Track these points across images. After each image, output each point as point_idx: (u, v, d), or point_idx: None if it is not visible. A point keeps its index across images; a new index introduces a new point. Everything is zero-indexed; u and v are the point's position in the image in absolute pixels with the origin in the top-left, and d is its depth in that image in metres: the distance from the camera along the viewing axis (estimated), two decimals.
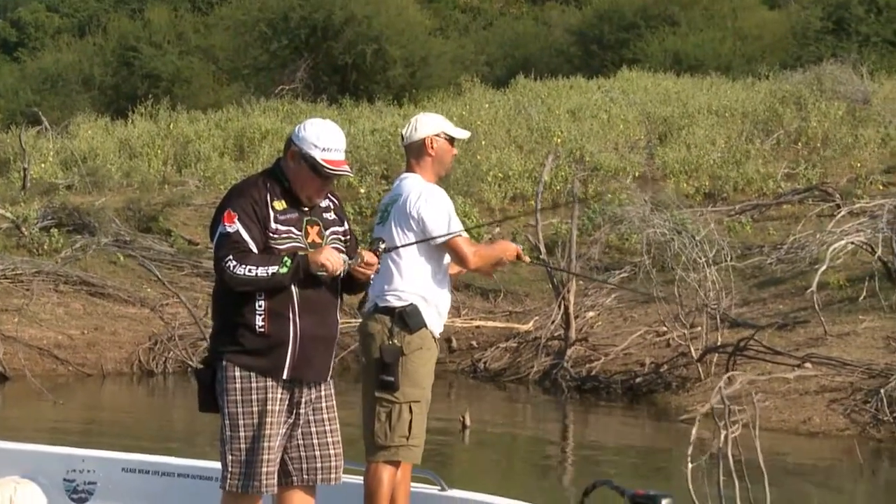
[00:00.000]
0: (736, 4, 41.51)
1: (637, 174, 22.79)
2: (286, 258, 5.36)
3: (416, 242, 6.18)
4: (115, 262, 18.30)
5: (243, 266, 5.32)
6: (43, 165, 24.09)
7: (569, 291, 16.73)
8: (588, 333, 17.24)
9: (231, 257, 5.35)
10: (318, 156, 5.49)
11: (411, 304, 6.18)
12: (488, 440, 13.56)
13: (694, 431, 7.38)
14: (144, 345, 16.83)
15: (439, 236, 6.19)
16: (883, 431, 11.95)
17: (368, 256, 5.64)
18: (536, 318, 17.72)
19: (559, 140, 23.62)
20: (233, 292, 5.44)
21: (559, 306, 16.81)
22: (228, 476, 5.50)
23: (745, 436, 12.64)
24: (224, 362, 5.48)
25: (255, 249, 5.40)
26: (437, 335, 6.32)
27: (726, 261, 15.54)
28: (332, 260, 5.45)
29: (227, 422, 5.49)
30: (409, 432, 6.15)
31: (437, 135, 6.41)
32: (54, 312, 17.01)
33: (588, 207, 19.35)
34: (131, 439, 11.96)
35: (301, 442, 5.59)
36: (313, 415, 5.60)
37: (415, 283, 6.22)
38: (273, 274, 5.33)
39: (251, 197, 5.46)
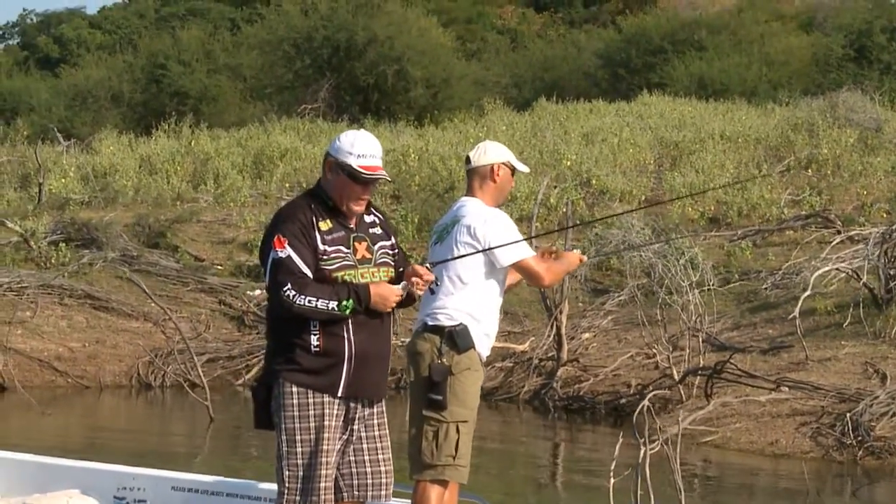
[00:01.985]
0: (764, 30, 41.73)
1: (644, 198, 23.05)
2: (349, 299, 5.43)
3: (461, 257, 6.25)
4: (121, 276, 18.68)
5: (303, 297, 5.38)
6: (63, 181, 24.58)
7: (561, 312, 16.98)
8: (582, 354, 17.48)
9: (289, 285, 5.39)
10: (354, 162, 5.56)
11: (461, 324, 6.23)
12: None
13: (617, 449, 7.58)
14: (144, 358, 17.15)
15: (489, 249, 6.27)
16: (845, 455, 12.14)
17: (422, 271, 5.70)
18: (532, 338, 17.97)
19: (568, 163, 23.88)
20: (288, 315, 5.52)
21: (551, 327, 17.06)
22: (286, 492, 5.52)
23: (716, 455, 12.97)
24: (281, 379, 5.52)
25: (308, 273, 5.45)
26: (483, 358, 6.36)
27: (709, 285, 15.70)
28: (391, 298, 5.55)
29: (283, 437, 5.52)
30: (456, 452, 6.16)
31: (504, 163, 6.55)
32: (57, 325, 17.39)
33: (586, 229, 19.54)
34: (122, 453, 12.27)
35: (353, 458, 5.63)
36: (365, 431, 5.65)
37: (467, 303, 6.27)
38: (333, 309, 5.40)
39: (298, 221, 5.51)
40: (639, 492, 7.36)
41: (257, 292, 19.44)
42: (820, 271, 15.83)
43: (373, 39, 32.14)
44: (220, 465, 12.08)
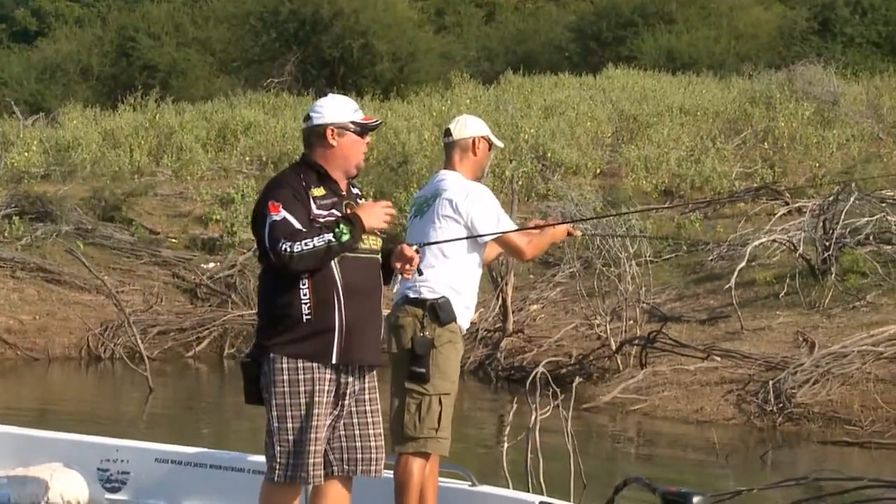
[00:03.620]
0: (734, 3, 41.88)
1: (598, 171, 23.27)
2: (340, 226, 5.46)
3: (456, 240, 6.23)
4: (74, 250, 18.85)
5: (297, 244, 5.40)
6: (26, 154, 24.69)
7: (507, 284, 17.22)
8: (529, 325, 17.73)
9: (283, 240, 5.41)
10: (356, 118, 5.69)
11: (443, 296, 6.18)
12: None
13: (510, 416, 7.81)
14: (94, 331, 17.35)
15: (487, 234, 6.27)
16: (765, 421, 12.41)
17: (410, 252, 5.74)
18: (482, 310, 18.19)
19: (525, 136, 24.07)
20: (278, 285, 5.52)
21: (497, 298, 17.29)
22: (277, 466, 5.53)
23: (643, 423, 13.25)
24: (271, 354, 5.51)
25: (302, 231, 5.49)
26: (464, 330, 6.34)
27: (645, 257, 15.94)
28: (381, 215, 5.61)
29: (274, 413, 5.51)
30: (439, 424, 6.14)
31: (484, 137, 6.50)
32: (8, 298, 17.59)
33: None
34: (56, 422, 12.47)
35: (343, 433, 5.63)
36: (356, 406, 5.64)
37: (449, 276, 6.23)
38: (330, 242, 5.43)
39: (290, 186, 5.55)
40: (528, 455, 7.58)
41: (211, 265, 19.68)
42: (755, 243, 16.09)
43: (338, 13, 32.24)
44: (159, 433, 12.25)
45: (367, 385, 5.66)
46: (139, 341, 15.54)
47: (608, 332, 15.33)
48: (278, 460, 5.51)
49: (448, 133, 6.54)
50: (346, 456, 5.62)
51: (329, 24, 32.37)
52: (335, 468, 5.60)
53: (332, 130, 5.65)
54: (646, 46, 37.22)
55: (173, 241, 20.19)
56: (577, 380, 10.60)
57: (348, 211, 5.58)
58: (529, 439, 7.72)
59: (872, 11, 33.21)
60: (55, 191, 20.67)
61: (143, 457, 7.16)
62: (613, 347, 15.15)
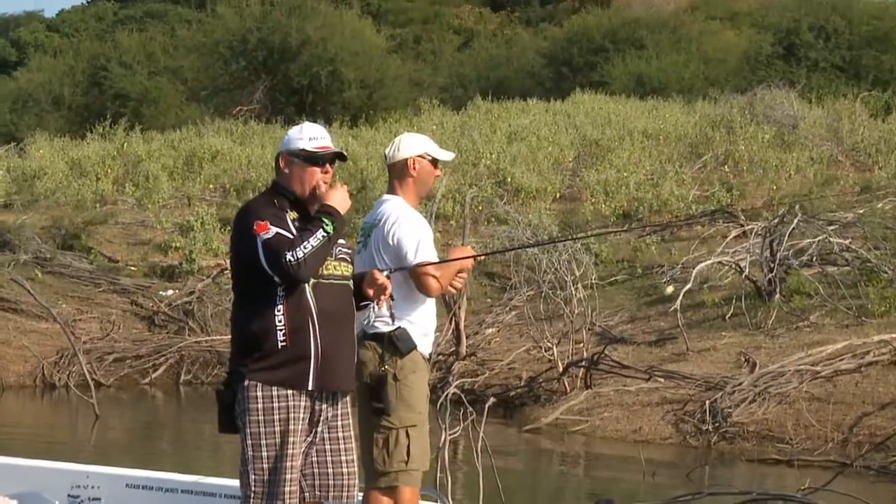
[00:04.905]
0: (704, 28, 42.23)
1: (558, 195, 23.46)
2: (321, 219, 5.49)
3: (401, 269, 6.14)
4: (32, 278, 18.96)
5: (299, 250, 5.40)
6: None
7: (459, 308, 17.35)
8: (483, 349, 17.86)
9: (285, 252, 5.39)
10: (308, 146, 5.62)
11: (399, 327, 6.11)
12: None
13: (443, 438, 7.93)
14: (49, 359, 17.44)
15: (400, 268, 6.15)
16: (700, 440, 12.57)
17: (380, 277, 5.75)
18: (437, 334, 18.32)
19: (487, 162, 24.27)
20: (253, 313, 5.50)
21: (450, 322, 17.42)
22: (252, 496, 5.48)
23: (581, 443, 13.39)
24: (246, 381, 5.46)
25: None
26: (426, 356, 6.26)
27: (591, 280, 16.12)
28: (346, 197, 5.63)
29: (249, 442, 5.49)
30: (408, 457, 6.07)
31: (421, 156, 6.33)
32: None
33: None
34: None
35: (315, 459, 5.61)
36: (328, 432, 5.62)
37: (400, 307, 6.11)
38: (325, 237, 5.45)
39: (269, 207, 5.56)
40: (438, 475, 7.71)
41: (169, 292, 19.80)
42: (701, 265, 16.27)
43: (306, 41, 32.48)
44: (102, 458, 12.35)
45: (339, 411, 5.64)
46: (85, 369, 15.66)
47: (556, 354, 15.47)
48: (253, 489, 5.48)
49: (385, 156, 6.47)
50: (317, 482, 5.60)
51: (297, 51, 32.61)
52: (307, 494, 5.58)
53: (284, 158, 5.67)
54: (616, 72, 37.52)
55: (132, 268, 20.31)
56: (491, 401, 10.59)
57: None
58: (439, 458, 7.82)
59: (836, 36, 33.55)
60: (15, 220, 20.77)
61: (114, 483, 7.13)
62: (560, 370, 15.29)
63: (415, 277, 6.16)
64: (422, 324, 6.22)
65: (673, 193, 22.44)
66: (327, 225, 5.46)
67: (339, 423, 5.64)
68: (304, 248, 5.39)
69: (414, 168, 6.30)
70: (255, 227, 5.46)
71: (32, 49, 65.64)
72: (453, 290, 6.48)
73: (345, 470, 5.63)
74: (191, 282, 19.91)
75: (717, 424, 12.58)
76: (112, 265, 20.22)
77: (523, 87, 40.14)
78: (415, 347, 6.14)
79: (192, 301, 19.32)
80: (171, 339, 18.58)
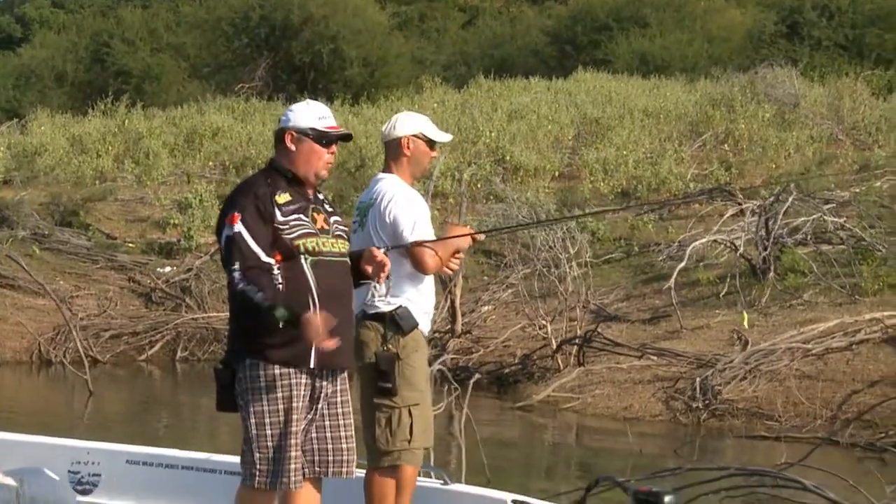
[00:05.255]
0: (708, 6, 42.10)
1: (557, 173, 23.47)
2: (285, 312, 5.31)
3: (399, 247, 6.11)
4: (30, 254, 19.02)
5: (246, 282, 5.34)
6: None
7: (455, 286, 17.38)
8: (479, 326, 17.89)
9: (237, 266, 5.36)
10: (318, 125, 5.56)
11: (401, 305, 6.10)
12: None
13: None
14: (47, 335, 17.49)
15: (410, 243, 6.13)
16: (690, 417, 12.59)
17: (379, 255, 5.67)
18: (434, 311, 18.36)
19: (486, 140, 24.27)
20: None
21: (445, 299, 17.45)
22: (257, 473, 5.48)
23: (572, 420, 13.44)
24: (248, 360, 5.46)
25: (258, 252, 5.41)
26: (426, 333, 6.26)
27: (585, 258, 16.13)
28: (321, 332, 5.37)
29: (252, 420, 5.47)
30: (411, 436, 6.06)
31: (416, 135, 6.31)
32: None
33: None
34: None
35: (314, 435, 5.59)
36: (328, 409, 5.60)
37: (399, 285, 6.11)
38: (265, 309, 5.32)
39: (254, 195, 5.47)
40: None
41: (167, 269, 19.84)
42: (696, 243, 16.28)
43: (308, 18, 32.45)
44: (94, 434, 12.40)
45: (338, 388, 5.63)
46: (80, 345, 15.67)
47: (550, 332, 15.49)
48: (258, 467, 5.47)
49: (382, 134, 6.45)
50: (317, 458, 5.59)
51: (299, 29, 32.59)
52: (306, 470, 5.57)
53: (292, 135, 5.58)
54: (620, 50, 37.43)
55: (130, 245, 20.36)
56: (475, 377, 10.66)
57: (315, 216, 5.53)
58: None
59: (839, 15, 33.42)
60: (14, 196, 20.82)
61: (114, 459, 7.14)
62: (554, 347, 15.32)
63: (411, 255, 6.14)
64: (421, 302, 6.20)
65: (671, 172, 22.43)
66: (281, 314, 5.29)
67: (339, 398, 5.62)
68: (249, 289, 5.32)
69: (408, 147, 6.28)
70: (230, 215, 5.43)
71: (38, 25, 65.73)
72: (449, 271, 6.44)
73: (344, 446, 5.61)
74: (188, 259, 19.95)
75: (707, 402, 12.61)
76: (110, 242, 20.27)
77: (527, 65, 40.04)
78: (417, 325, 6.13)
79: (189, 278, 19.37)
80: (168, 315, 18.63)
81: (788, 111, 25.96)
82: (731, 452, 11.54)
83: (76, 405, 14.86)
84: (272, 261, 5.42)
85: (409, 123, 6.35)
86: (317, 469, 5.59)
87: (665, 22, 39.86)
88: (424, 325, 6.23)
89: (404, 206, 6.19)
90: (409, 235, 6.13)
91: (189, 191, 22.46)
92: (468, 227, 6.69)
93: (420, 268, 6.16)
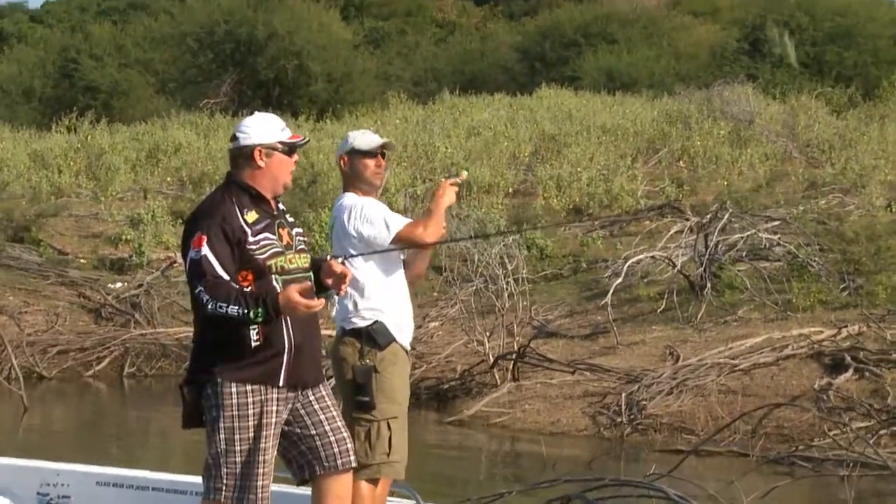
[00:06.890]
0: (675, 24, 42.44)
1: (511, 190, 23.66)
2: (258, 308, 5.30)
3: (374, 252, 6.18)
4: None
5: (214, 301, 5.30)
6: None
7: None
8: (425, 342, 18.03)
9: (202, 288, 5.32)
10: (284, 137, 5.61)
11: (376, 321, 6.18)
12: None
13: None
14: None
15: (390, 248, 6.22)
16: (614, 432, 12.77)
17: (337, 266, 5.66)
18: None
19: (440, 156, 24.46)
20: None
21: None
22: (223, 488, 5.48)
23: (499, 435, 13.58)
24: (218, 379, 5.43)
25: (223, 274, 5.38)
26: (406, 347, 6.33)
27: (521, 275, 16.30)
28: (299, 306, 5.38)
29: (222, 436, 5.47)
30: (390, 448, 6.13)
31: (347, 153, 6.39)
32: None
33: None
34: None
35: (313, 432, 5.61)
36: (308, 417, 5.61)
37: (374, 300, 6.20)
38: (242, 315, 5.30)
39: (220, 216, 5.44)
40: None
41: (118, 285, 19.96)
42: (633, 260, 16.46)
43: (273, 34, 32.67)
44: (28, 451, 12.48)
45: (315, 396, 5.61)
46: (13, 361, 15.70)
47: (487, 348, 15.65)
48: (225, 482, 5.47)
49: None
50: (323, 453, 5.60)
51: (264, 44, 32.80)
52: (317, 468, 5.60)
53: (260, 151, 5.57)
54: (587, 66, 37.70)
55: (82, 261, 20.47)
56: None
57: (280, 232, 5.52)
58: None
59: (800, 32, 33.76)
60: None
61: (84, 480, 7.08)
62: (490, 363, 15.47)
63: (403, 243, 6.22)
64: (395, 314, 6.25)
65: (623, 188, 22.63)
66: (256, 313, 5.30)
67: (317, 406, 5.61)
68: (220, 307, 5.30)
69: (346, 164, 6.37)
70: (195, 237, 5.41)
71: (15, 40, 65.78)
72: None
73: (332, 438, 5.62)
74: (140, 275, 20.06)
75: (631, 416, 12.78)
76: (61, 257, 20.37)
77: (497, 81, 40.31)
78: (393, 340, 6.21)
79: (139, 294, 19.47)
80: (117, 331, 18.70)
81: (744, 128, 26.22)
82: (645, 466, 11.69)
83: (10, 422, 14.91)
84: (237, 284, 5.39)
85: (347, 143, 6.41)
86: (325, 465, 5.60)
87: (633, 38, 40.18)
88: (404, 339, 6.30)
89: (367, 213, 6.25)
90: (388, 234, 6.21)
91: (143, 207, 22.59)
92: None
93: (420, 243, 6.25)
